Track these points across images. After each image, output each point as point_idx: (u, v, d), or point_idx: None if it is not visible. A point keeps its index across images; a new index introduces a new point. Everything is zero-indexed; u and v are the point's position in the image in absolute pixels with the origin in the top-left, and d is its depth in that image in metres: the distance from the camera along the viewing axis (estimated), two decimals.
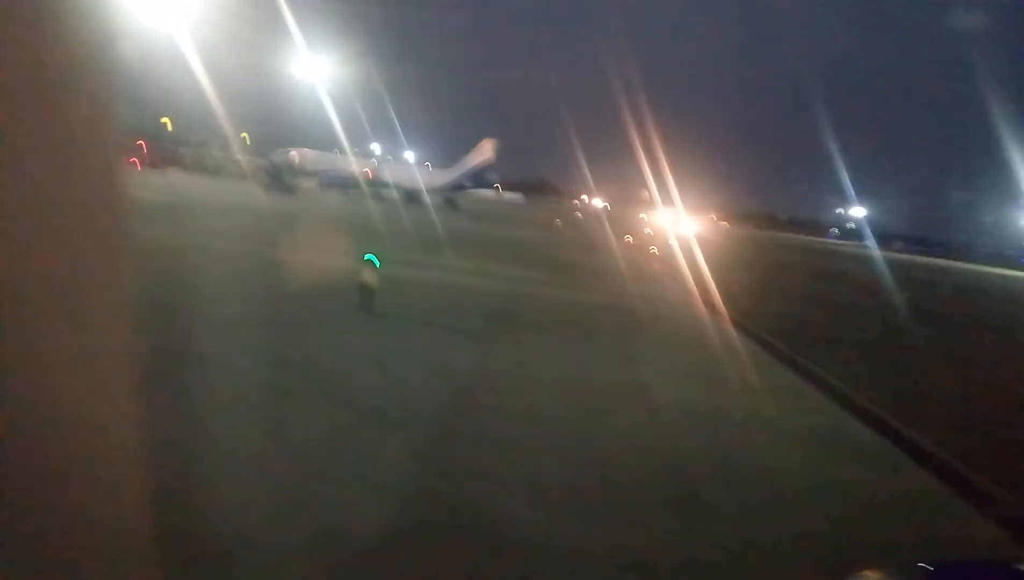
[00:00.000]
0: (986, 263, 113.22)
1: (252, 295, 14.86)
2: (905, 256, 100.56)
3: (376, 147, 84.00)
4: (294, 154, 65.63)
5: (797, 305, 24.52)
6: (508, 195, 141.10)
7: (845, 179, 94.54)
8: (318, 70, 60.91)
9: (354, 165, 67.37)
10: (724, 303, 19.70)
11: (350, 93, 69.15)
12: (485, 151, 68.89)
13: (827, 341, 16.81)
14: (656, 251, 42.45)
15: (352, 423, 8.06)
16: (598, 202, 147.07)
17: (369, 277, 14.40)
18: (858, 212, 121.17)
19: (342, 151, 73.80)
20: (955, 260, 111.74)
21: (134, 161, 59.73)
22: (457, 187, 69.79)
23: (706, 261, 30.05)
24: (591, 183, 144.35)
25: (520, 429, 8.51)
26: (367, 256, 14.49)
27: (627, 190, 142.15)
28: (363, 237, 29.35)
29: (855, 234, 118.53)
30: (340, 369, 10.33)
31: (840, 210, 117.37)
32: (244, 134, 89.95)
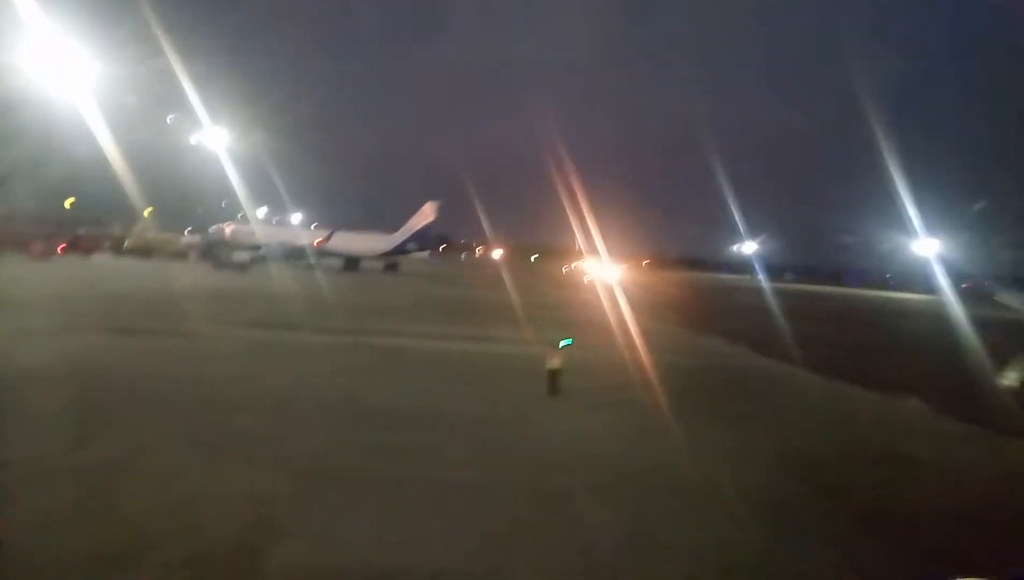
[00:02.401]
0: (861, 287, 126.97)
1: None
2: (789, 285, 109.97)
3: (292, 214, 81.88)
4: (228, 229, 62.98)
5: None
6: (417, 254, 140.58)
7: (739, 220, 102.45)
8: (228, 141, 59.29)
9: (290, 236, 65.75)
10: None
11: (259, 161, 67.15)
12: (427, 214, 69.21)
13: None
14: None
15: None
16: (497, 253, 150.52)
17: (556, 361, 14.81)
18: (750, 248, 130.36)
19: (276, 222, 71.83)
20: (836, 286, 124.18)
21: (62, 247, 55.38)
22: (400, 250, 69.45)
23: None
24: (490, 235, 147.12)
25: None
26: (563, 341, 14.96)
27: (521, 239, 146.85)
28: (411, 315, 29.51)
29: (750, 268, 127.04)
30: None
31: (736, 247, 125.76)
32: (149, 210, 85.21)
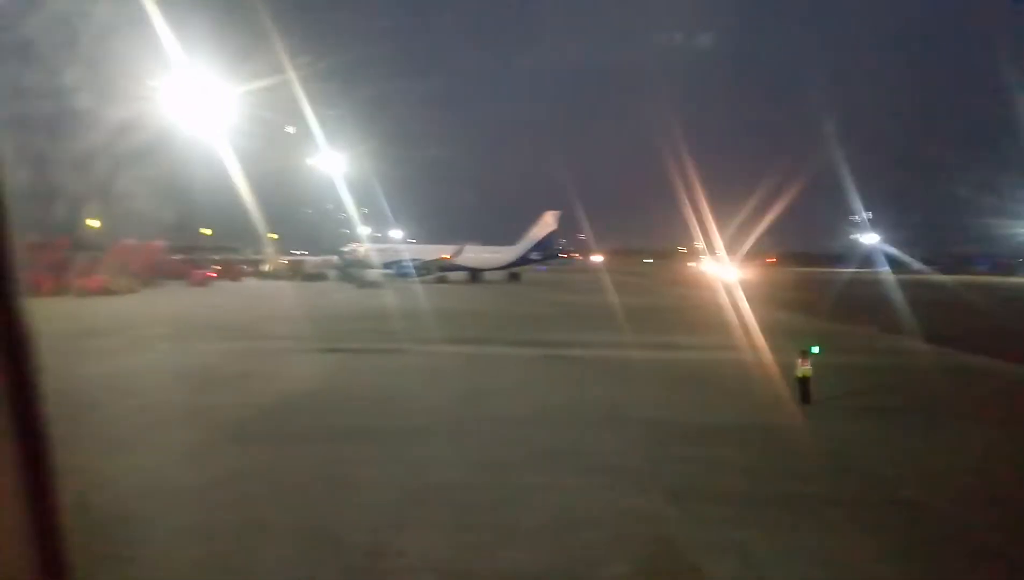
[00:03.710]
0: (995, 274, 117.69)
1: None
2: (926, 276, 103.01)
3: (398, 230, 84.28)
4: (360, 249, 65.61)
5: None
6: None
7: (858, 211, 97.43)
8: (342, 162, 61.77)
9: (419, 252, 67.70)
10: None
11: (367, 179, 69.39)
12: (548, 223, 69.62)
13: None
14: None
15: None
16: (600, 257, 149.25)
17: (806, 368, 14.28)
18: (871, 240, 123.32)
19: (389, 240, 74.38)
20: (968, 274, 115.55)
21: (213, 275, 59.50)
22: (524, 261, 70.11)
23: None
24: (592, 239, 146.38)
25: None
26: (811, 348, 14.46)
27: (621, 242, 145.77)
28: (574, 325, 29.77)
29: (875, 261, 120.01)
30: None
31: (856, 239, 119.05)
32: (272, 235, 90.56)
